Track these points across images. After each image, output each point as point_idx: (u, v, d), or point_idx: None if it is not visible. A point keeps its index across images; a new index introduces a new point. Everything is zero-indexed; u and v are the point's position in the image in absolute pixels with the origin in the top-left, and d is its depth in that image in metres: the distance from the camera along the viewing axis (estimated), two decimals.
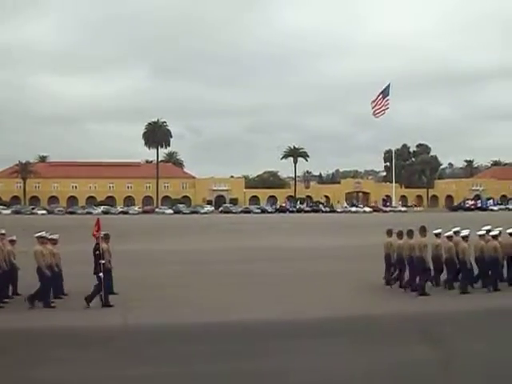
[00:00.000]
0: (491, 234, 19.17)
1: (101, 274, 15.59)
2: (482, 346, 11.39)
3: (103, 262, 15.76)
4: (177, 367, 10.30)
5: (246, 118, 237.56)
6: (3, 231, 16.81)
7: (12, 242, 17.28)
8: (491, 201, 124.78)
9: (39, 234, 16.28)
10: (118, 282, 17.40)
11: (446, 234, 19.19)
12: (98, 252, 15.82)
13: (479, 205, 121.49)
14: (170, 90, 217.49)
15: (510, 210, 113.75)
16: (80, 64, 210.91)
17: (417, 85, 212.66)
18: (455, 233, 19.29)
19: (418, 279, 18.46)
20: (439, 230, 19.29)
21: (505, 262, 18.99)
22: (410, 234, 19.22)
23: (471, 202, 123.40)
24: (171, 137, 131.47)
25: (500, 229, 19.58)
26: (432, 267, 18.75)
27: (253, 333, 13.04)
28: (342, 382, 9.63)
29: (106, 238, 17.05)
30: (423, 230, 18.73)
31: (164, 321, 14.30)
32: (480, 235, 19.16)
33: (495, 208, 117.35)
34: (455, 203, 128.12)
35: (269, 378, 9.79)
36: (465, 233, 18.89)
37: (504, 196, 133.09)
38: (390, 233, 20.35)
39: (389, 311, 15.59)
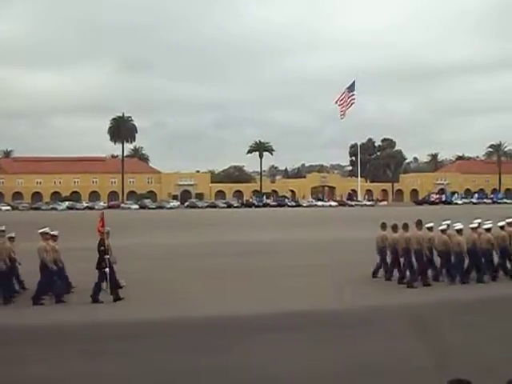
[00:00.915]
0: (485, 226, 19.54)
1: (106, 270, 15.47)
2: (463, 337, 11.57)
3: (108, 257, 15.65)
4: (146, 364, 10.23)
5: (212, 113, 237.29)
6: (3, 228, 16.49)
7: (11, 238, 16.98)
8: (456, 195, 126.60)
9: (43, 230, 16.07)
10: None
11: (440, 228, 19.47)
12: (102, 247, 15.69)
13: (444, 199, 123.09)
14: (137, 84, 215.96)
15: (474, 203, 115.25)
16: (45, 58, 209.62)
17: (382, 80, 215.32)
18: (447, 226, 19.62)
19: (408, 271, 18.78)
20: (432, 224, 19.58)
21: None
22: (406, 227, 19.42)
23: (436, 196, 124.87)
24: (137, 132, 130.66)
25: (491, 222, 19.95)
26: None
27: (220, 328, 12.99)
28: (303, 376, 9.58)
29: (107, 234, 16.88)
30: (419, 224, 19.04)
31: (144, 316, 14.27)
32: (472, 228, 19.50)
33: (459, 202, 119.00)
34: (420, 197, 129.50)
35: (232, 372, 9.74)
36: (460, 226, 19.16)
37: (468, 190, 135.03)
38: (384, 226, 20.50)
39: (368, 304, 15.62)
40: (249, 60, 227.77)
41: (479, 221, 20.09)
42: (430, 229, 19.47)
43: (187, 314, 14.27)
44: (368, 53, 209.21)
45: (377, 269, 20.08)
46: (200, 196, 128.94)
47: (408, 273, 18.93)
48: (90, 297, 15.67)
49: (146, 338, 12.15)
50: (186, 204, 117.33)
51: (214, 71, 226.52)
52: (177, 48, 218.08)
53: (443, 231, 19.31)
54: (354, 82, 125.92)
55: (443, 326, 12.73)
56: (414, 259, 18.83)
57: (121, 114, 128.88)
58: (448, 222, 20.06)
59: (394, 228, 19.86)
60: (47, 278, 15.59)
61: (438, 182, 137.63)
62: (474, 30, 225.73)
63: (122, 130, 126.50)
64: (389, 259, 19.82)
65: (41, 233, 16.04)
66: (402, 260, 19.26)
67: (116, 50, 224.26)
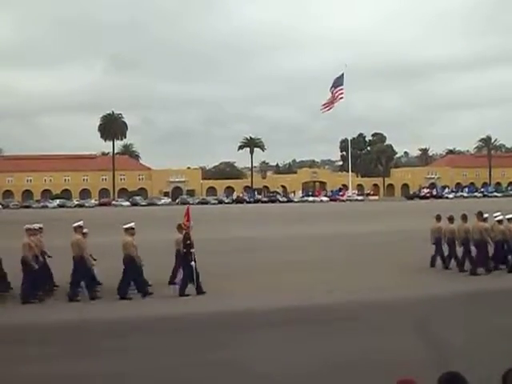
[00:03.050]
0: None
1: (192, 263, 15.59)
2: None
3: (193, 251, 15.76)
4: (149, 361, 10.17)
5: (203, 110, 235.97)
6: (81, 223, 16.47)
7: (84, 234, 16.95)
8: (447, 189, 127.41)
9: (128, 225, 16.08)
10: (103, 274, 17.33)
11: (497, 219, 19.82)
12: (188, 241, 15.79)
13: (435, 193, 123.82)
14: (127, 81, 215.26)
15: (464, 197, 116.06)
16: (33, 57, 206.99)
17: (371, 77, 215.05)
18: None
19: (474, 260, 19.08)
20: (487, 215, 19.95)
21: None
22: (465, 218, 19.75)
23: (427, 191, 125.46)
24: (127, 129, 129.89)
25: None
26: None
27: (223, 324, 12.99)
28: (300, 371, 9.51)
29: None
30: (480, 215, 19.40)
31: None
32: None
33: (450, 196, 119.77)
34: (411, 191, 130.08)
35: (230, 367, 9.76)
36: None
37: (459, 184, 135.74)
38: (439, 218, 20.86)
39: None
40: (238, 57, 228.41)
41: None
42: (485, 219, 19.82)
43: (192, 311, 14.28)
44: (356, 50, 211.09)
45: (433, 259, 20.41)
46: (191, 192, 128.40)
47: (468, 262, 19.29)
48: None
49: (148, 334, 12.16)
50: (178, 201, 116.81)
51: (203, 69, 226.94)
52: (166, 46, 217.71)
53: (499, 222, 19.68)
54: (342, 75, 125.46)
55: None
56: (473, 249, 19.22)
57: (111, 112, 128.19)
58: (499, 213, 20.47)
59: (451, 219, 20.23)
60: (133, 272, 15.67)
61: (428, 177, 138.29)
62: (460, 26, 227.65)
63: (112, 127, 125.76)
64: (445, 250, 20.18)
65: (126, 228, 16.07)
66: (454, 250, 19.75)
67: (105, 49, 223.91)
